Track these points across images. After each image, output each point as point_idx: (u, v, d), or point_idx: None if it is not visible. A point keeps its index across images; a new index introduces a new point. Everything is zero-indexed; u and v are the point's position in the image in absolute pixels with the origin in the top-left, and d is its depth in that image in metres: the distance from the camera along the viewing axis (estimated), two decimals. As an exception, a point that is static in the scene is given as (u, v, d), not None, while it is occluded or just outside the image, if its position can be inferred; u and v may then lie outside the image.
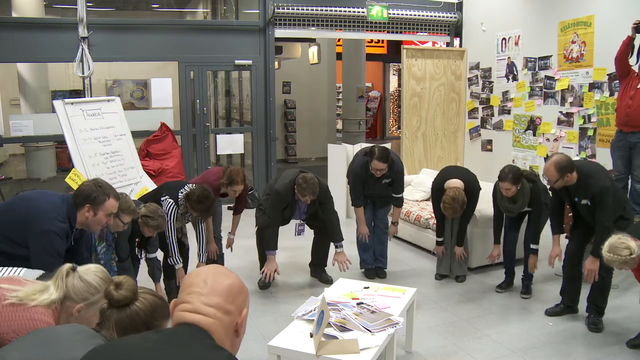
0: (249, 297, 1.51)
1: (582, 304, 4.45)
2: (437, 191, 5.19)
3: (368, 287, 4.14)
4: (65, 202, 3.12)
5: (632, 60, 5.58)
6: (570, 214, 4.56)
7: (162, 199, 4.51)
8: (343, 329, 3.39)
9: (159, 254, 4.51)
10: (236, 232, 5.38)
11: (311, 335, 3.29)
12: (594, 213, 4.14)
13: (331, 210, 5.14)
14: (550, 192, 4.69)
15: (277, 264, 4.93)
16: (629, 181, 5.62)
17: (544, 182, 4.92)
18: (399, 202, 5.41)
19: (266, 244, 4.96)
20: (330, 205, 5.14)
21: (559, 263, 4.61)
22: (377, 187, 5.24)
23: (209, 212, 4.60)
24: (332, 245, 5.20)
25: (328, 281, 5.25)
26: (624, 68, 5.60)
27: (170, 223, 4.46)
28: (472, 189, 5.15)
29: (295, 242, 5.82)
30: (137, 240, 4.32)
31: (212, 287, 1.41)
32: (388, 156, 4.99)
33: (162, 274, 4.54)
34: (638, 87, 5.45)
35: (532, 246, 4.82)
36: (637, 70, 5.55)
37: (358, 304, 3.77)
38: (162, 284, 4.56)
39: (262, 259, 5.17)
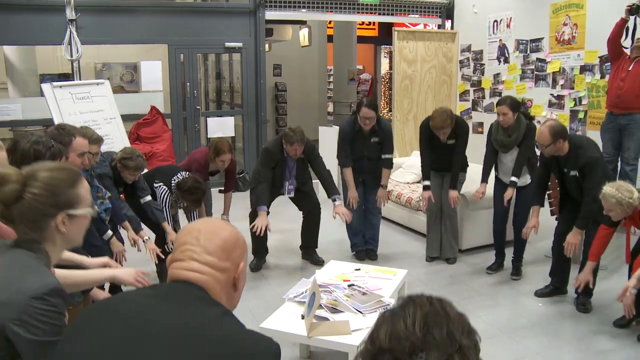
0: (246, 248, 1.46)
1: (572, 286, 4.50)
2: (424, 126, 5.18)
3: (359, 269, 4.16)
4: None
5: (627, 43, 5.59)
6: (558, 196, 4.59)
7: (156, 185, 4.51)
8: (334, 310, 3.41)
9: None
10: (229, 213, 5.39)
11: (303, 317, 3.31)
12: (581, 187, 4.16)
13: (321, 166, 5.23)
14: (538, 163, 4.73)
15: (268, 220, 4.90)
16: (619, 163, 5.66)
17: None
18: (389, 163, 5.32)
19: (257, 200, 4.98)
20: (319, 161, 5.22)
21: (535, 237, 4.62)
22: (366, 147, 5.19)
23: (200, 202, 4.66)
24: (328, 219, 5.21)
25: (319, 263, 5.27)
26: (616, 50, 5.61)
27: (166, 210, 4.47)
28: (461, 121, 5.23)
29: (285, 225, 5.83)
30: (122, 191, 4.33)
31: (204, 246, 1.36)
32: (376, 105, 5.15)
33: (160, 241, 4.53)
34: (629, 69, 5.47)
35: (512, 178, 4.84)
36: (628, 53, 5.57)
37: (349, 285, 3.79)
38: (168, 222, 4.54)
39: (255, 244, 5.19)
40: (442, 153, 5.13)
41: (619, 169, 5.64)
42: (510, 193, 4.84)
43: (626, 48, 5.61)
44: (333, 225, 5.68)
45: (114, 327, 1.24)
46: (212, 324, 1.25)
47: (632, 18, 5.52)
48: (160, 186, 4.52)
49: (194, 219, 4.78)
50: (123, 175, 4.14)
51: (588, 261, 4.04)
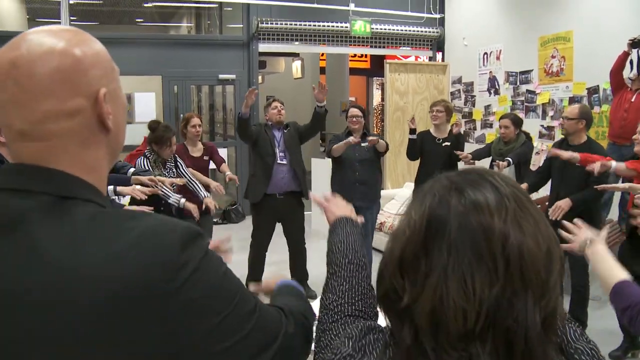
0: (106, 61, 0.91)
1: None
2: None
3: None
4: None
5: (632, 74, 5.69)
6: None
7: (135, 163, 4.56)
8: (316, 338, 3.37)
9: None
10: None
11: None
12: (584, 178, 4.14)
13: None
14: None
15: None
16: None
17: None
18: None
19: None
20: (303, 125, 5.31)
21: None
22: (358, 148, 5.11)
23: (172, 143, 4.63)
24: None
25: (312, 297, 5.22)
26: (618, 82, 5.74)
27: (151, 173, 4.46)
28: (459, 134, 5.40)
29: (279, 257, 5.80)
30: None
31: (28, 87, 0.80)
32: (363, 109, 5.39)
33: None
34: (632, 100, 5.56)
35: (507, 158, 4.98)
36: (629, 85, 5.67)
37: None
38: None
39: (251, 276, 5.16)
40: (436, 157, 5.18)
41: (619, 197, 5.64)
42: (504, 164, 4.86)
43: (631, 80, 5.71)
44: (324, 258, 5.64)
45: None
46: (71, 253, 0.76)
47: (634, 51, 5.63)
48: (136, 161, 4.64)
49: (190, 177, 4.78)
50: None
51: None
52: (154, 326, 0.77)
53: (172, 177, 4.64)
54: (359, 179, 5.13)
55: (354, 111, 5.22)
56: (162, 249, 0.78)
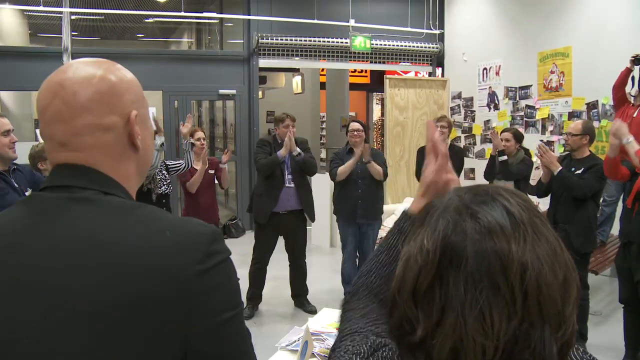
0: (138, 89, 1.03)
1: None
2: (419, 150, 5.66)
3: (353, 316, 4.11)
4: None
5: (634, 91, 5.72)
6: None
7: None
8: (327, 359, 3.35)
9: None
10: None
11: (295, 366, 3.25)
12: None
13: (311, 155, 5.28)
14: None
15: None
16: (620, 204, 5.68)
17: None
18: (383, 164, 5.28)
19: (270, 160, 5.01)
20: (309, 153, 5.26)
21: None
22: (359, 164, 5.09)
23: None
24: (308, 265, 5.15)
25: (312, 312, 5.20)
26: (620, 97, 5.77)
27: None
28: (457, 145, 5.41)
29: (279, 272, 5.79)
30: None
31: (72, 104, 0.93)
32: (364, 124, 5.36)
33: None
34: (634, 115, 5.59)
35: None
36: (632, 101, 5.69)
37: (343, 333, 3.74)
38: None
39: (251, 292, 5.16)
40: None
41: (620, 210, 5.64)
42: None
43: (632, 96, 5.74)
44: (326, 274, 5.63)
45: None
46: (107, 233, 0.88)
47: (636, 68, 5.67)
48: None
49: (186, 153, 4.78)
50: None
51: None
52: (176, 306, 0.84)
53: (161, 178, 4.64)
54: (362, 196, 5.12)
55: (355, 125, 5.20)
56: (195, 236, 0.90)
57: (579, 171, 4.22)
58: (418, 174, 5.43)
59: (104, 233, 0.87)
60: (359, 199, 5.13)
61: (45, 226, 0.89)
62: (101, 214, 0.90)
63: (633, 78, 5.75)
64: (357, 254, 5.40)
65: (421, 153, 5.46)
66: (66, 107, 0.94)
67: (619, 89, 5.78)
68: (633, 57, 5.67)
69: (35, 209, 0.91)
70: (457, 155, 5.35)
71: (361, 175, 5.13)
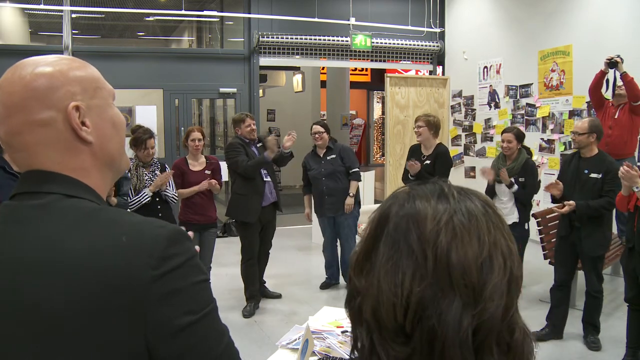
0: (87, 81, 0.98)
1: (566, 330, 4.46)
2: (411, 147, 5.56)
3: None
4: None
5: (608, 94, 5.73)
6: (553, 238, 4.58)
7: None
8: (328, 357, 3.35)
9: None
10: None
11: (296, 364, 3.25)
12: (598, 190, 4.15)
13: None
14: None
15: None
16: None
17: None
18: (357, 176, 5.55)
19: (255, 163, 5.00)
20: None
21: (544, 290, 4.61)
22: (324, 163, 5.47)
23: (149, 146, 4.68)
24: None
25: (275, 296, 5.45)
26: (597, 100, 5.79)
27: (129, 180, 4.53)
28: (443, 147, 5.38)
29: (278, 270, 5.80)
30: None
31: (5, 107, 0.94)
32: (326, 124, 5.62)
33: None
34: (616, 117, 5.58)
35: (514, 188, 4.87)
36: (611, 99, 5.69)
37: (343, 332, 3.74)
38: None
39: (249, 290, 5.15)
40: (418, 173, 5.14)
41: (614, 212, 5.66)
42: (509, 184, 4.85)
43: (607, 99, 5.75)
44: (311, 260, 5.61)
45: None
46: (66, 240, 0.88)
47: (611, 71, 5.67)
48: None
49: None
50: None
51: None
52: (132, 312, 0.84)
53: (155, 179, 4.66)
54: (327, 192, 5.49)
55: (317, 128, 5.53)
56: (151, 240, 0.88)
57: (596, 175, 4.20)
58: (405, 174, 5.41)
59: (63, 240, 0.87)
60: (325, 195, 5.51)
61: (9, 235, 0.90)
62: (61, 220, 0.90)
63: (607, 81, 5.77)
64: (337, 240, 5.71)
65: (410, 148, 5.48)
66: (3, 108, 0.94)
67: (594, 91, 5.81)
68: (607, 59, 5.68)
69: (2, 218, 0.93)
70: (439, 159, 5.20)
71: (324, 173, 5.50)
